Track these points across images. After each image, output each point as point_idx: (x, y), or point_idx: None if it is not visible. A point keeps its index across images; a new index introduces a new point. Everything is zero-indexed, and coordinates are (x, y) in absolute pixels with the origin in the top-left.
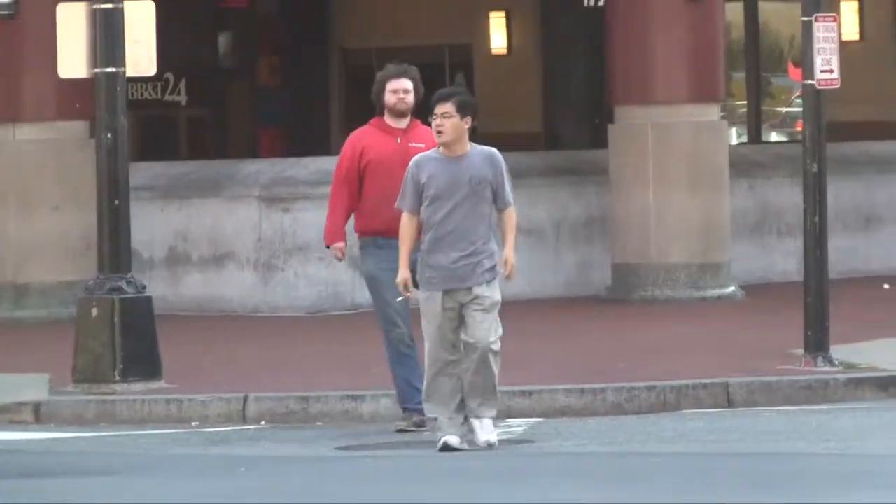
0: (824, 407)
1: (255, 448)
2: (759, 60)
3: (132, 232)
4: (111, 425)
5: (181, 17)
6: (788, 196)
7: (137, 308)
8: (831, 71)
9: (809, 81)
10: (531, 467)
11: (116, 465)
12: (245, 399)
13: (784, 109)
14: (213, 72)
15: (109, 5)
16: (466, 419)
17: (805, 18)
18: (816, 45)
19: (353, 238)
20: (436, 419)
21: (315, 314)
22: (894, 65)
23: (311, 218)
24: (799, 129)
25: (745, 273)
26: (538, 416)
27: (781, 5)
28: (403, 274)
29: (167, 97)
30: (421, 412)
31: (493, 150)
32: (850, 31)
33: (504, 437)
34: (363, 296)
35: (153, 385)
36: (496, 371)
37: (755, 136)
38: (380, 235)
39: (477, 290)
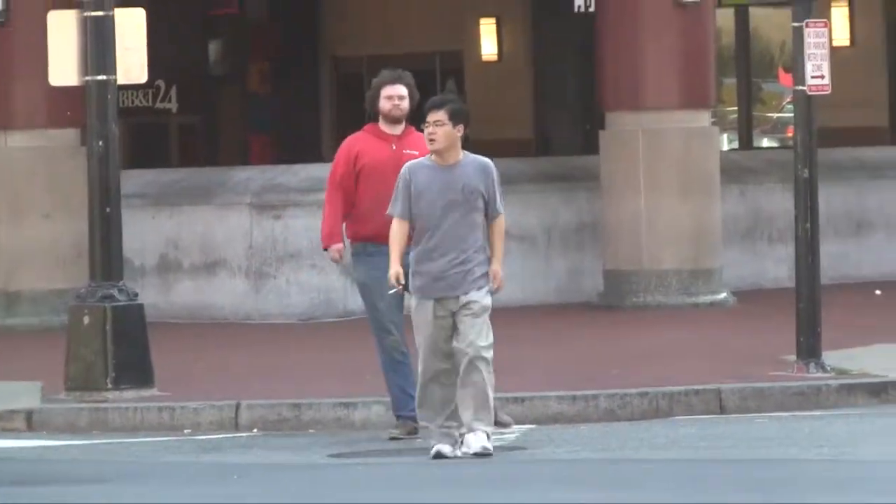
0: (817, 413)
1: (248, 455)
2: (750, 66)
3: (123, 239)
4: (103, 433)
5: (172, 25)
6: (780, 202)
7: (129, 316)
8: (822, 76)
9: (800, 87)
10: (524, 474)
11: (109, 473)
12: (237, 406)
13: (775, 115)
14: (204, 79)
15: (100, 13)
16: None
17: (796, 24)
18: (807, 51)
19: (346, 244)
20: (428, 427)
21: (307, 321)
22: (885, 70)
23: (303, 225)
24: (790, 134)
25: (737, 279)
26: (530, 422)
27: (772, 11)
28: (395, 268)
29: (158, 104)
30: (415, 419)
31: (487, 160)
32: (841, 36)
33: (497, 444)
34: (355, 303)
35: (145, 393)
36: (488, 382)
37: (746, 142)
38: (370, 242)
39: (465, 297)
